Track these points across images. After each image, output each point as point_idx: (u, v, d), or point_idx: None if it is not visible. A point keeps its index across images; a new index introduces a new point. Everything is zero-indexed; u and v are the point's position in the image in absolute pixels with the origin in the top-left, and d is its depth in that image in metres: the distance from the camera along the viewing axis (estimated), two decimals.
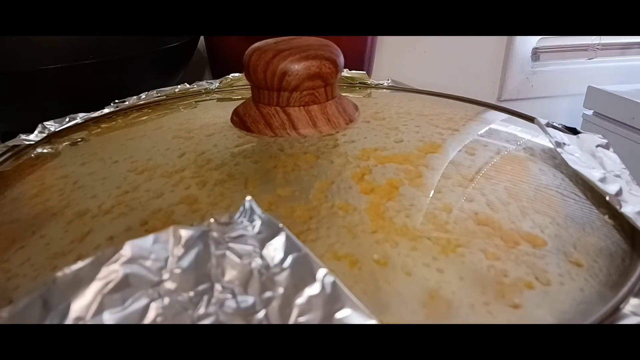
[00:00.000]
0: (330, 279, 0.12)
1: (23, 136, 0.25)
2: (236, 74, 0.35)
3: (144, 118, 0.28)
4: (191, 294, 0.12)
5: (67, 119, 0.27)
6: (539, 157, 0.22)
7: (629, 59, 0.75)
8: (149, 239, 0.12)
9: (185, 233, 0.13)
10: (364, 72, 0.35)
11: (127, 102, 0.30)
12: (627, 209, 0.17)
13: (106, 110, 0.29)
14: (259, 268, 0.12)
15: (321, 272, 0.12)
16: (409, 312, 0.13)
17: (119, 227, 0.16)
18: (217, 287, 0.12)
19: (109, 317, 0.11)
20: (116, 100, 0.30)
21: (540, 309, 0.14)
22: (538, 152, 0.22)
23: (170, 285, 0.12)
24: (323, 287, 0.12)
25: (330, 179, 0.19)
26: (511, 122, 0.26)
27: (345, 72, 0.35)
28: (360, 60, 0.48)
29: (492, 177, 0.19)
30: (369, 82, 0.35)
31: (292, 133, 0.22)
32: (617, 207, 0.17)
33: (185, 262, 0.12)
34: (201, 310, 0.12)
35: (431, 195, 0.18)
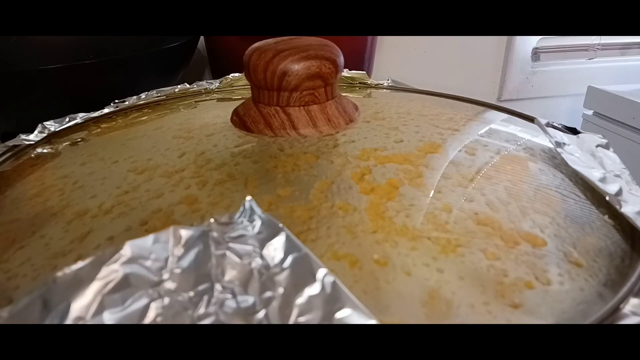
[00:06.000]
0: (330, 279, 0.12)
1: (23, 136, 0.25)
2: (236, 74, 0.35)
3: (144, 118, 0.28)
4: (191, 294, 0.12)
5: (67, 119, 0.27)
6: (539, 157, 0.22)
7: (629, 59, 0.75)
8: (149, 239, 0.12)
9: (185, 233, 0.13)
10: (364, 72, 0.35)
11: (127, 102, 0.30)
12: (627, 209, 0.17)
13: (106, 110, 0.29)
14: (259, 268, 0.12)
15: (321, 272, 0.12)
16: (409, 312, 0.13)
17: (119, 227, 0.16)
18: (217, 287, 0.12)
19: (109, 317, 0.11)
20: (116, 100, 0.30)
21: (540, 309, 0.14)
22: (538, 152, 0.22)
23: (170, 285, 0.12)
24: (323, 287, 0.12)
25: (330, 179, 0.19)
26: (511, 122, 0.26)
27: (345, 72, 0.35)
28: (360, 60, 0.48)
29: (492, 177, 0.19)
30: (369, 82, 0.35)
31: (292, 133, 0.22)
32: (617, 207, 0.17)
33: (185, 262, 0.12)
34: (201, 310, 0.12)
35: (431, 195, 0.18)
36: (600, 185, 0.18)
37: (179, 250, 0.13)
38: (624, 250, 0.16)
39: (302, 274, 0.12)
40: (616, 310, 0.13)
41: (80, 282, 0.11)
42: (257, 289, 0.12)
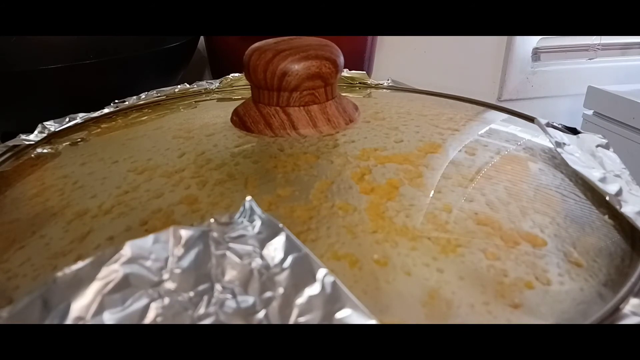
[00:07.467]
0: (330, 279, 0.12)
1: (23, 136, 0.25)
2: (236, 74, 0.35)
3: (144, 118, 0.28)
4: (191, 294, 0.12)
5: (67, 119, 0.27)
6: (539, 157, 0.22)
7: (629, 59, 0.75)
8: (149, 239, 0.12)
9: (185, 233, 0.13)
10: (364, 72, 0.35)
11: (127, 102, 0.30)
12: (627, 209, 0.17)
13: (106, 110, 0.29)
14: (259, 268, 0.12)
15: (321, 272, 0.12)
16: (409, 312, 0.13)
17: (119, 227, 0.16)
18: (217, 287, 0.12)
19: (109, 317, 0.11)
20: (116, 100, 0.30)
21: (540, 309, 0.14)
22: (538, 152, 0.22)
23: (170, 285, 0.12)
24: (323, 287, 0.12)
25: (330, 179, 0.19)
26: (511, 122, 0.26)
27: (345, 72, 0.35)
28: (360, 60, 0.48)
29: (492, 177, 0.19)
30: (369, 82, 0.35)
31: (292, 133, 0.22)
32: (617, 207, 0.17)
33: (185, 262, 0.12)
34: (201, 310, 0.12)
35: (431, 195, 0.18)
36: (600, 185, 0.18)
37: (179, 250, 0.13)
38: (624, 250, 0.16)
39: (302, 274, 0.12)
40: (616, 310, 0.13)
41: (80, 282, 0.11)
42: (257, 289, 0.12)
